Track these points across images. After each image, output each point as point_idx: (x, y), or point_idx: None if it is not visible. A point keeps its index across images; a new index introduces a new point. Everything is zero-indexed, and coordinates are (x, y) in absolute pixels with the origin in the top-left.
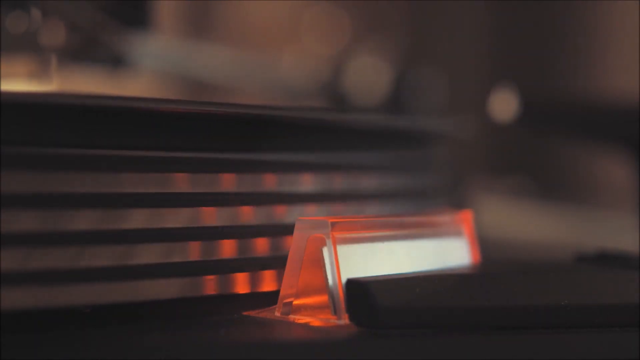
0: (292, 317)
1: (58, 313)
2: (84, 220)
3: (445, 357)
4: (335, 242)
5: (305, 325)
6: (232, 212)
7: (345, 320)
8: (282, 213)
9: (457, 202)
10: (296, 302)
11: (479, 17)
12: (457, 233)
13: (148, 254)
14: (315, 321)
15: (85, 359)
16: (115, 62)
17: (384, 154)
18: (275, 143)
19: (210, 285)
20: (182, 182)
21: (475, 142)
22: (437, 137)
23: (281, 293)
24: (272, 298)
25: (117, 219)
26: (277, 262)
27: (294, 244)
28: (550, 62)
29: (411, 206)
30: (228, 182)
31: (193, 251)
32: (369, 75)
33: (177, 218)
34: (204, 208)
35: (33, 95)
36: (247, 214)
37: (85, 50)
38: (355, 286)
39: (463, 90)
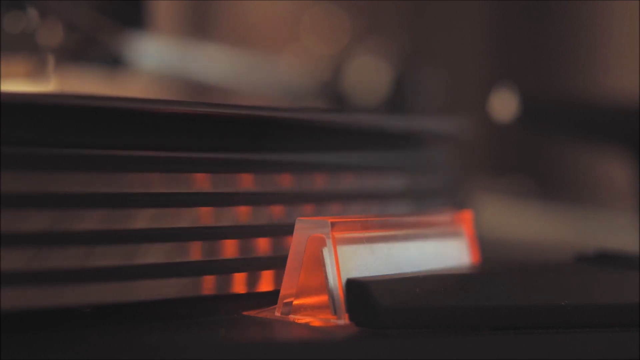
0: (292, 317)
1: (58, 313)
2: (83, 221)
3: (445, 357)
4: (335, 242)
5: (305, 325)
6: (231, 212)
7: (345, 320)
8: (282, 213)
9: (457, 202)
10: (296, 302)
11: (479, 17)
12: (457, 233)
13: (148, 254)
14: (315, 321)
15: (85, 359)
16: (113, 61)
17: (383, 154)
18: (275, 143)
19: (210, 285)
20: (182, 182)
21: (475, 142)
22: (437, 137)
23: (281, 293)
24: (272, 298)
25: (117, 219)
26: (277, 262)
27: (294, 244)
28: (550, 62)
29: (411, 206)
30: (228, 182)
31: (193, 251)
32: (369, 75)
33: (177, 218)
34: (203, 208)
35: (33, 96)
36: (247, 214)
37: (83, 50)
38: (355, 286)
39: (463, 90)
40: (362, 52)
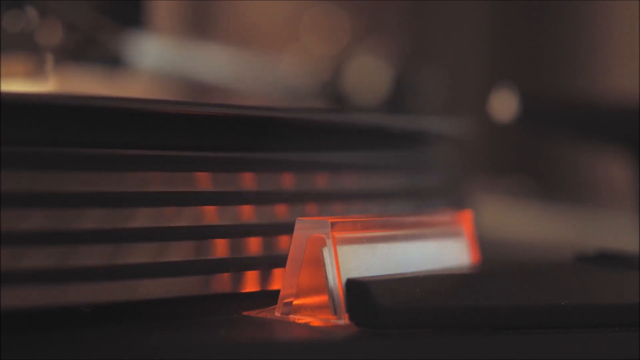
0: (292, 317)
1: (58, 313)
2: (83, 220)
3: (445, 357)
4: (335, 242)
5: (305, 325)
6: (232, 211)
7: (345, 320)
8: (282, 212)
9: (457, 202)
10: (296, 302)
11: (479, 17)
12: (457, 233)
13: (148, 254)
14: (315, 321)
15: (85, 359)
16: (113, 61)
17: (384, 154)
18: (274, 143)
19: (210, 285)
20: (181, 181)
21: (475, 142)
22: (437, 137)
23: (281, 293)
24: (272, 298)
25: (117, 218)
26: (277, 261)
27: (293, 244)
28: (550, 62)
29: (411, 206)
30: (228, 181)
31: (193, 250)
32: (369, 75)
33: (177, 217)
34: (203, 207)
35: (33, 96)
36: (247, 213)
37: (82, 50)
38: (355, 286)
39: (463, 90)
40: (362, 52)
